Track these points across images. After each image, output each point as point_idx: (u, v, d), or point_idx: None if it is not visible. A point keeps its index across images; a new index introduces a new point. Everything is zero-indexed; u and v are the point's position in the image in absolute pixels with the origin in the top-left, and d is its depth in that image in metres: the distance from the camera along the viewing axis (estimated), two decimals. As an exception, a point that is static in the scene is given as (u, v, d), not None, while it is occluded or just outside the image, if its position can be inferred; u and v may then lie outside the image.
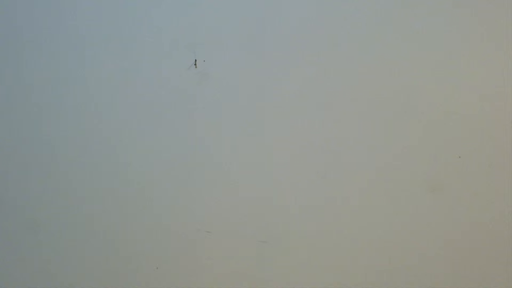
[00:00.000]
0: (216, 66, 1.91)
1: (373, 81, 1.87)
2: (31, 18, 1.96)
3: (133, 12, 1.94)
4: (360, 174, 1.86)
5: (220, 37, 1.91)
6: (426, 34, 1.87)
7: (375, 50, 1.87)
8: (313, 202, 1.87)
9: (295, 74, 1.89)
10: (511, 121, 1.84)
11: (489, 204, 1.83)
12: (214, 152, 1.89)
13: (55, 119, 1.93)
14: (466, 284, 1.83)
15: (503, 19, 1.85)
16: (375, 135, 1.86)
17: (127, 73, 1.92)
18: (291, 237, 1.88)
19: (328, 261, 1.87)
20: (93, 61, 1.93)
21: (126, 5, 1.94)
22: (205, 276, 1.89)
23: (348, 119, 1.87)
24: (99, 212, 1.91)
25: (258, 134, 1.89)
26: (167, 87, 1.91)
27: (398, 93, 1.87)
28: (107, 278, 1.91)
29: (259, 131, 1.89)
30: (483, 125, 1.84)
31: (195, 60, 1.91)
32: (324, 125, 1.88)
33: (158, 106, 1.91)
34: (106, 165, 1.91)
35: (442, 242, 1.84)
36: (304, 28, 1.89)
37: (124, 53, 1.93)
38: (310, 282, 1.87)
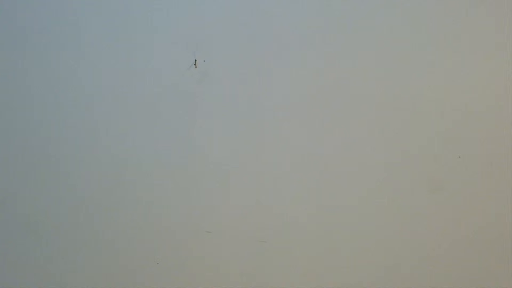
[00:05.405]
0: (216, 66, 1.91)
1: (373, 82, 1.87)
2: (30, 17, 1.96)
3: (133, 12, 1.93)
4: (360, 174, 1.86)
5: (220, 37, 1.91)
6: (426, 34, 1.87)
7: (375, 51, 1.87)
8: (313, 202, 1.87)
9: (296, 74, 1.89)
10: (511, 121, 1.84)
11: (489, 204, 1.83)
12: (214, 152, 1.89)
13: (55, 120, 1.93)
14: (466, 284, 1.83)
15: (503, 19, 1.86)
16: (375, 135, 1.86)
17: (127, 73, 1.92)
18: (290, 237, 1.88)
19: (328, 261, 1.87)
20: (93, 61, 1.93)
21: (126, 5, 1.94)
22: (205, 276, 1.89)
23: (348, 119, 1.87)
24: (101, 211, 1.91)
25: (259, 134, 1.89)
26: (168, 87, 1.91)
27: (398, 93, 1.87)
28: (109, 272, 1.91)
29: (259, 131, 1.89)
30: (483, 126, 1.85)
31: (195, 60, 1.91)
32: (324, 126, 1.88)
33: (158, 106, 1.91)
34: (107, 164, 1.91)
35: (442, 242, 1.84)
36: (304, 28, 1.89)
37: (124, 53, 1.93)
38: (310, 282, 1.87)
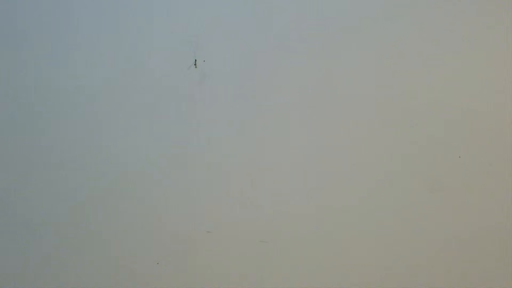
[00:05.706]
0: (216, 66, 1.91)
1: (373, 82, 1.87)
2: (29, 16, 1.96)
3: (133, 13, 1.94)
4: (360, 174, 1.86)
5: (220, 37, 1.91)
6: (426, 35, 1.87)
7: (375, 51, 1.88)
8: (313, 202, 1.87)
9: (296, 74, 1.89)
10: (511, 121, 1.84)
11: (489, 204, 1.83)
12: (214, 152, 1.89)
13: (55, 120, 1.93)
14: (466, 284, 1.83)
15: (503, 20, 1.86)
16: (375, 135, 1.86)
17: (127, 73, 1.92)
18: (290, 237, 1.88)
19: (327, 261, 1.87)
20: (94, 62, 1.93)
21: (127, 5, 1.94)
22: (205, 276, 1.89)
23: (348, 119, 1.87)
24: (101, 211, 1.91)
25: (258, 134, 1.89)
26: (168, 87, 1.91)
27: (398, 94, 1.87)
28: (109, 272, 1.91)
29: (259, 131, 1.89)
30: (483, 125, 1.85)
31: (195, 60, 1.91)
32: (325, 126, 1.88)
33: (158, 106, 1.91)
34: (107, 164, 1.91)
35: (442, 242, 1.84)
36: (304, 28, 1.89)
37: (124, 53, 1.93)
38: (310, 282, 1.87)
